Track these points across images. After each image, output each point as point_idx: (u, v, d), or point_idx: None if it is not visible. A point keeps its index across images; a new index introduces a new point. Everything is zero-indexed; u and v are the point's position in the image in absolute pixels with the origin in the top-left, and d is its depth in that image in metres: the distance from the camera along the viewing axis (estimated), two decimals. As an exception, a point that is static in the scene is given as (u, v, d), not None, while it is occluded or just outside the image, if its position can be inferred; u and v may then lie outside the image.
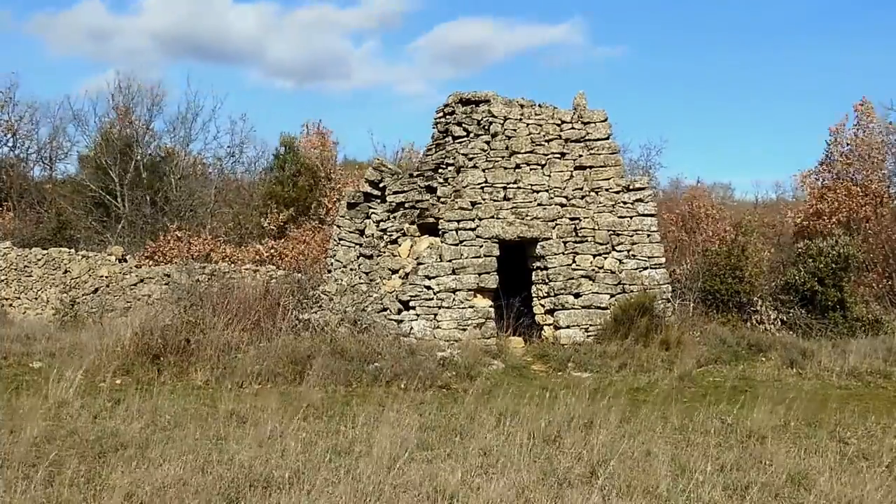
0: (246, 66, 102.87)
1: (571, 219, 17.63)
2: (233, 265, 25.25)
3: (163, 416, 9.87)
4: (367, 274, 18.08)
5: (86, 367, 12.39)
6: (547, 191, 17.67)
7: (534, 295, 17.67)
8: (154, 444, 8.44)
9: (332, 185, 32.95)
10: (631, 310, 16.54)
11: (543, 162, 17.81)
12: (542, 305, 17.54)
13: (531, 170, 17.69)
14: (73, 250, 25.06)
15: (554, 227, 17.53)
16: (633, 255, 17.75)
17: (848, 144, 29.65)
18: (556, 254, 17.38)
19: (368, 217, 18.75)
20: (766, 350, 17.02)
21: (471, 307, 16.72)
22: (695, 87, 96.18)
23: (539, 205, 17.55)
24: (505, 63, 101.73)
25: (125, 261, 25.12)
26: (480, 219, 17.17)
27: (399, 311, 16.79)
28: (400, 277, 17.38)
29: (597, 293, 17.31)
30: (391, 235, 17.98)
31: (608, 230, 17.70)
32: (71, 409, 10.03)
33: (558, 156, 17.93)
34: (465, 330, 16.48)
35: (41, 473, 7.27)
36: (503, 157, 17.56)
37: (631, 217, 17.91)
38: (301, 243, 28.79)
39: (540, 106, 18.18)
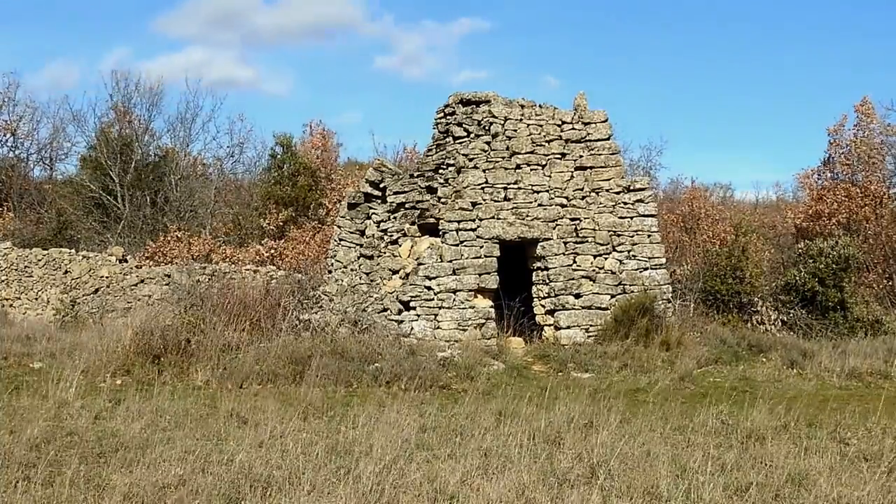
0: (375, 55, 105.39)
1: (572, 219, 17.63)
2: (233, 265, 25.24)
3: (163, 416, 9.87)
4: (367, 274, 18.09)
5: (86, 368, 12.41)
6: (547, 191, 17.67)
7: (534, 295, 17.67)
8: (154, 444, 8.44)
9: (332, 186, 32.95)
10: (631, 310, 16.53)
11: (544, 162, 17.81)
12: (543, 306, 17.54)
13: (532, 170, 17.69)
14: (73, 251, 25.06)
15: (554, 228, 17.53)
16: (634, 256, 17.74)
17: (847, 145, 29.63)
18: (556, 254, 17.38)
19: (369, 217, 18.76)
20: (766, 350, 17.02)
21: (471, 307, 16.72)
22: (694, 86, 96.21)
23: (539, 205, 17.55)
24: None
25: (125, 261, 25.12)
26: (481, 219, 17.17)
27: (399, 312, 16.79)
28: (400, 278, 17.38)
29: (597, 294, 17.30)
30: (392, 236, 17.99)
31: (609, 231, 17.70)
32: (71, 409, 10.03)
33: (559, 156, 17.93)
34: (465, 330, 16.48)
35: (41, 474, 7.28)
36: (504, 158, 17.56)
37: (631, 217, 17.91)
38: (301, 244, 28.79)
39: (540, 106, 18.18)
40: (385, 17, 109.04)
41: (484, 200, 17.31)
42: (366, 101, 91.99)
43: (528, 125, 17.87)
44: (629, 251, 17.74)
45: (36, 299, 23.93)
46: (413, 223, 17.74)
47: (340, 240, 19.08)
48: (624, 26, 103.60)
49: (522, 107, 18.01)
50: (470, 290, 16.84)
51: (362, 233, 18.80)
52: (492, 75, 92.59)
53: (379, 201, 18.66)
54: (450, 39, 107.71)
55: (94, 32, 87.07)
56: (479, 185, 17.36)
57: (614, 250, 17.72)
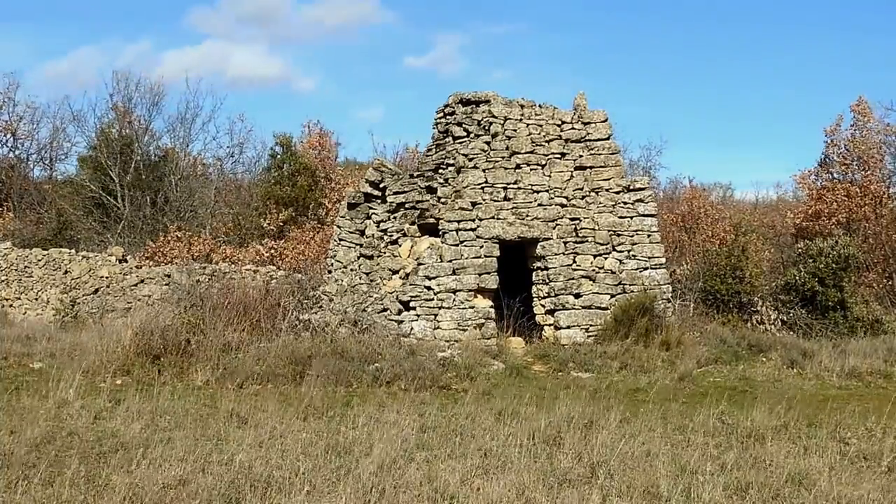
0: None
1: (572, 219, 17.63)
2: (233, 265, 25.23)
3: (163, 416, 9.87)
4: (367, 274, 18.08)
5: (86, 368, 12.41)
6: (547, 191, 17.67)
7: (534, 295, 17.66)
8: (154, 444, 8.44)
9: (332, 186, 32.93)
10: (631, 310, 16.53)
11: (544, 162, 17.81)
12: (543, 306, 17.54)
13: (531, 170, 17.68)
14: (73, 251, 25.05)
15: (554, 228, 17.52)
16: (634, 256, 17.74)
17: (845, 146, 29.64)
18: (556, 254, 17.38)
19: (369, 217, 18.75)
20: (766, 350, 17.01)
21: (471, 307, 16.71)
22: (694, 85, 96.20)
23: (539, 205, 17.55)
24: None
25: (125, 261, 25.12)
26: (481, 219, 17.16)
27: (399, 312, 16.79)
28: (400, 278, 17.38)
29: (597, 293, 17.30)
30: (391, 236, 17.98)
31: (608, 230, 17.70)
32: (71, 409, 10.03)
33: (558, 156, 17.93)
34: (465, 330, 16.48)
35: (42, 474, 7.28)
36: (503, 158, 17.56)
37: (631, 217, 17.91)
38: (301, 244, 28.78)
39: (540, 106, 18.18)
40: (419, 18, 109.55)
41: (484, 200, 17.31)
42: (393, 98, 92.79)
43: (528, 125, 17.86)
44: (629, 251, 17.74)
45: (36, 299, 23.92)
46: (413, 223, 17.74)
47: (340, 240, 19.08)
48: (626, 25, 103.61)
49: (522, 106, 18.00)
50: (470, 290, 16.84)
51: (362, 233, 18.79)
52: (524, 77, 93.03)
53: (379, 201, 18.65)
54: (483, 41, 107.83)
55: (121, 27, 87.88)
56: (478, 184, 17.36)
57: (614, 250, 17.72)
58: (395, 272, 17.55)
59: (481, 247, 17.07)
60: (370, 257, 18.26)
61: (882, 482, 7.86)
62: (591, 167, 18.04)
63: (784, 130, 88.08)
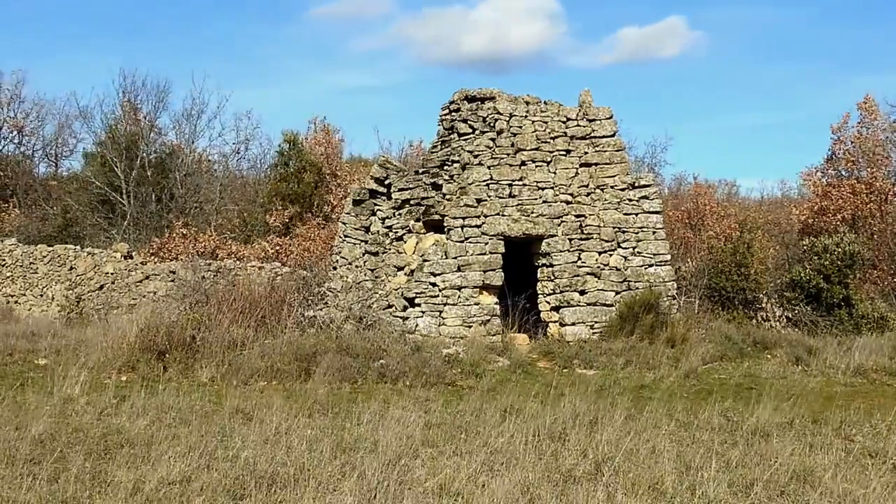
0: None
1: (577, 216, 17.60)
2: (238, 262, 25.26)
3: (168, 412, 9.89)
4: (372, 271, 18.09)
5: (91, 364, 12.44)
6: (552, 188, 17.65)
7: (539, 292, 17.65)
8: (159, 440, 8.46)
9: (337, 182, 32.98)
10: (636, 307, 16.51)
11: (549, 159, 17.78)
12: (548, 302, 17.52)
13: (536, 167, 17.66)
14: (78, 247, 25.12)
15: (559, 225, 17.50)
16: (639, 253, 17.71)
17: (852, 143, 29.59)
18: (561, 251, 17.36)
19: (374, 214, 18.76)
20: (771, 347, 16.98)
21: (476, 304, 16.71)
22: (697, 83, 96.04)
23: (544, 202, 17.52)
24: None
25: (131, 257, 25.16)
26: (486, 216, 17.14)
27: (404, 308, 16.79)
28: (405, 274, 17.38)
29: (602, 290, 17.29)
30: (396, 232, 17.99)
31: (613, 227, 17.67)
32: (76, 405, 10.06)
33: (563, 153, 17.90)
34: (470, 327, 16.48)
35: (46, 470, 7.30)
36: (508, 155, 17.53)
37: (636, 214, 17.88)
38: (306, 240, 28.83)
39: (545, 103, 18.14)
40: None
41: (489, 197, 17.29)
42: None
43: (533, 122, 17.83)
44: (634, 248, 17.71)
45: (41, 296, 23.99)
46: (418, 220, 17.73)
47: (345, 236, 19.10)
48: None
49: (527, 103, 17.96)
50: (475, 287, 16.83)
51: (367, 229, 18.81)
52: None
53: (384, 198, 18.66)
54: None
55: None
56: (483, 181, 17.34)
57: (619, 247, 17.70)
58: (400, 269, 17.55)
59: (486, 243, 17.06)
60: (375, 254, 18.26)
61: (887, 479, 7.84)
62: (596, 164, 18.01)
63: (789, 129, 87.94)
